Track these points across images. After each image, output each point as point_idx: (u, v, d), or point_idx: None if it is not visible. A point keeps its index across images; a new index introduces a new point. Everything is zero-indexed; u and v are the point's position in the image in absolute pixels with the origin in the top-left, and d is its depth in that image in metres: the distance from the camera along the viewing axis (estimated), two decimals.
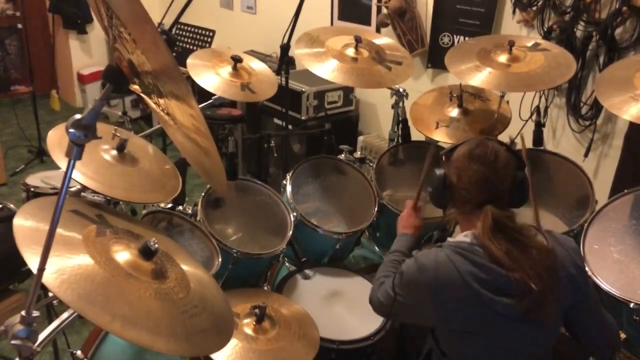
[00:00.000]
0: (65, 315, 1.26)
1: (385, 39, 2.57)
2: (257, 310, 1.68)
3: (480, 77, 2.13)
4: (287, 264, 2.34)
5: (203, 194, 2.15)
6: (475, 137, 1.52)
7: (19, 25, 5.46)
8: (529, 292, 1.31)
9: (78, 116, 1.02)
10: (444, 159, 1.53)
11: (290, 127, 3.44)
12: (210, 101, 2.37)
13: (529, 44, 2.27)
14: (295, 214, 2.24)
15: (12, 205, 2.54)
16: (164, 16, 2.49)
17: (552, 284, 1.34)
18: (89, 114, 1.02)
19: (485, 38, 2.59)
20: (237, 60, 2.29)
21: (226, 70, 2.28)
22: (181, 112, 1.14)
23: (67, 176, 1.04)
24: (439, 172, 1.52)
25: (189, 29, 4.78)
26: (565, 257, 1.41)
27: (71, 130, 1.01)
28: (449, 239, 1.46)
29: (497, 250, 1.33)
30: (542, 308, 1.33)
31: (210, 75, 2.23)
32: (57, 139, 1.68)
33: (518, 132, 2.47)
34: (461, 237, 1.43)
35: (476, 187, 1.42)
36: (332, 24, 4.09)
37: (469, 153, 1.45)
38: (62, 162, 1.61)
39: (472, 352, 1.43)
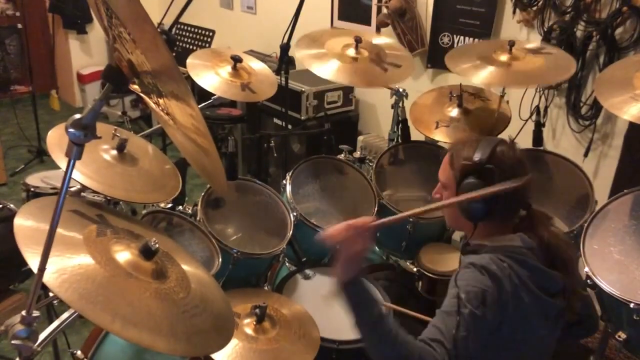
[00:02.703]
0: (65, 315, 1.25)
1: (385, 39, 2.57)
2: (257, 310, 1.68)
3: (481, 75, 2.14)
4: (287, 264, 2.34)
5: (203, 194, 2.15)
6: (490, 137, 1.41)
7: (19, 25, 5.46)
8: (573, 292, 1.32)
9: (78, 116, 1.01)
10: (483, 168, 1.33)
11: (290, 127, 3.44)
12: (210, 101, 2.37)
13: (530, 46, 2.27)
14: (295, 213, 2.24)
15: (12, 205, 2.54)
16: (164, 16, 2.49)
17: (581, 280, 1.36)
18: (88, 114, 1.02)
19: (485, 42, 2.59)
20: (236, 60, 2.29)
21: (226, 70, 2.28)
22: (181, 112, 1.14)
23: (67, 176, 1.04)
24: (483, 183, 1.31)
25: (189, 29, 4.78)
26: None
27: (71, 130, 1.00)
28: (480, 241, 1.37)
29: (566, 256, 1.31)
30: (577, 306, 1.35)
31: (210, 75, 2.23)
32: (57, 139, 1.68)
33: (518, 132, 2.47)
34: (506, 240, 1.33)
35: (529, 191, 1.36)
36: (332, 24, 4.09)
37: (516, 159, 1.35)
38: (62, 162, 1.60)
39: (505, 355, 1.34)
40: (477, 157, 1.33)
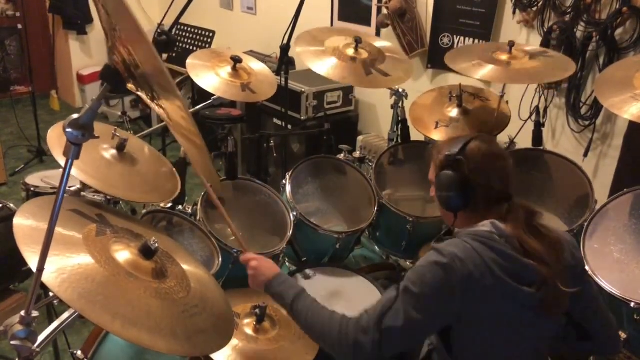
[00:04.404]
0: (65, 315, 1.25)
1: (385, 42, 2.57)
2: (257, 310, 1.68)
3: (481, 72, 2.16)
4: (287, 263, 2.34)
5: (203, 194, 2.15)
6: (471, 134, 1.50)
7: (19, 26, 5.46)
8: (551, 285, 1.32)
9: (75, 116, 1.01)
10: (454, 160, 1.43)
11: (289, 127, 3.45)
12: (210, 101, 2.37)
13: (529, 49, 2.28)
14: (295, 213, 2.24)
15: (12, 205, 2.54)
16: (165, 17, 2.49)
17: (564, 275, 1.35)
18: (86, 114, 1.01)
19: (485, 44, 2.60)
20: (236, 60, 2.29)
21: (226, 70, 2.28)
22: (173, 111, 1.15)
23: (65, 175, 1.04)
24: (455, 174, 1.43)
25: (189, 29, 4.79)
26: (565, 248, 1.42)
27: (69, 129, 1.00)
28: (460, 230, 1.43)
29: (535, 246, 1.34)
30: (559, 300, 1.35)
31: (210, 76, 2.23)
32: (57, 137, 1.68)
33: (518, 132, 2.47)
34: (477, 226, 1.39)
35: (505, 183, 1.43)
36: (332, 24, 4.09)
37: (489, 151, 1.44)
38: (63, 161, 1.59)
39: (485, 345, 1.38)
40: (449, 151, 1.46)
